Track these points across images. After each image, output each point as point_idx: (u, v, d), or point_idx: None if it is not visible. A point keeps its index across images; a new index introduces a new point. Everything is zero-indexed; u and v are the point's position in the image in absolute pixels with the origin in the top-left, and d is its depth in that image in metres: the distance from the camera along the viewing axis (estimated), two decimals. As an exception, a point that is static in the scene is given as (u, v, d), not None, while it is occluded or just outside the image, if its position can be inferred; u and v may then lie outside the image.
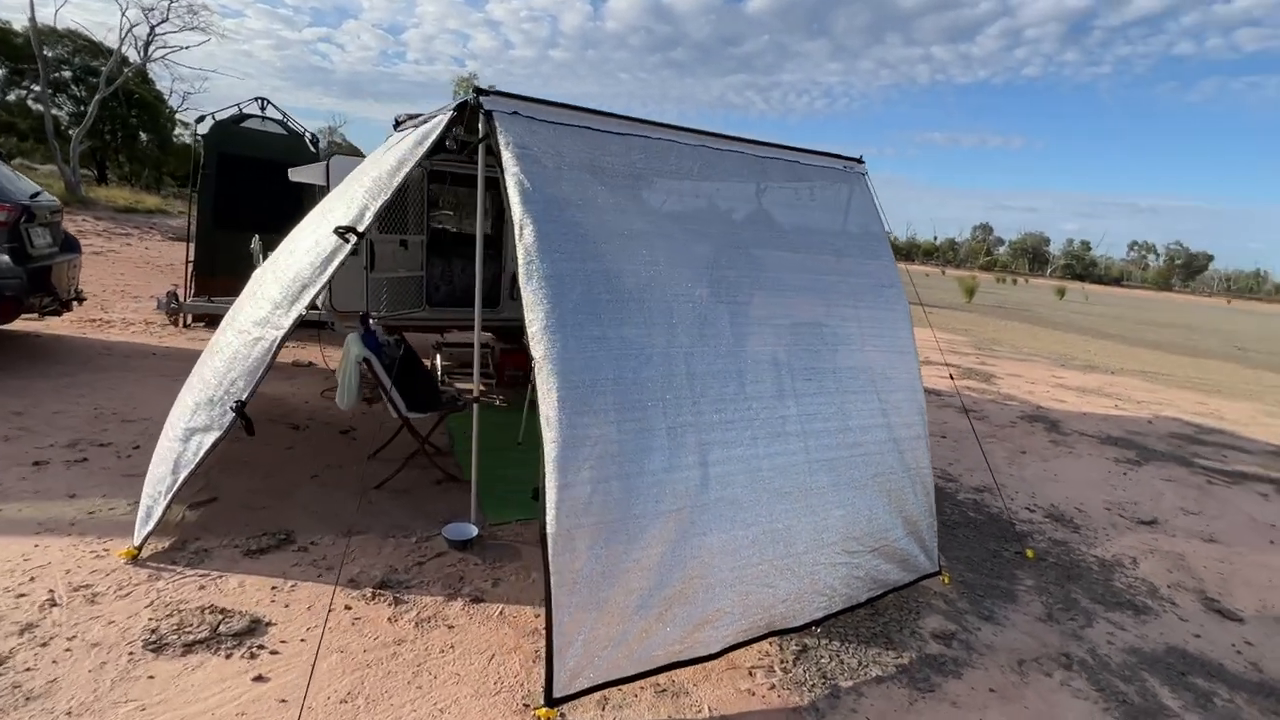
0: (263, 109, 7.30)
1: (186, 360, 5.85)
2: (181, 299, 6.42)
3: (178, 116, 24.12)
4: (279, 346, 2.76)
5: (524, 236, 2.47)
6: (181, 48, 18.99)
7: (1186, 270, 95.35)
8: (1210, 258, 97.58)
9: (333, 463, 3.94)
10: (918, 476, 3.21)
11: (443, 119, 2.79)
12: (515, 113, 2.72)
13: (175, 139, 24.12)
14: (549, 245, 2.49)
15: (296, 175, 5.62)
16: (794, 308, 3.04)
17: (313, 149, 7.40)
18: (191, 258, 6.88)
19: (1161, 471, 5.94)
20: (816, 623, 2.68)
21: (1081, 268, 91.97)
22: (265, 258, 6.02)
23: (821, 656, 2.62)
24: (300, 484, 3.61)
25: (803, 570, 2.63)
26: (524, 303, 2.40)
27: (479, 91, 2.68)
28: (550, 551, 2.19)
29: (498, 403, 5.42)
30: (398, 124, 4.91)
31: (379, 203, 2.79)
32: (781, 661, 2.57)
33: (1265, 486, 5.87)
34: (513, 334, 6.26)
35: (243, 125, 7.17)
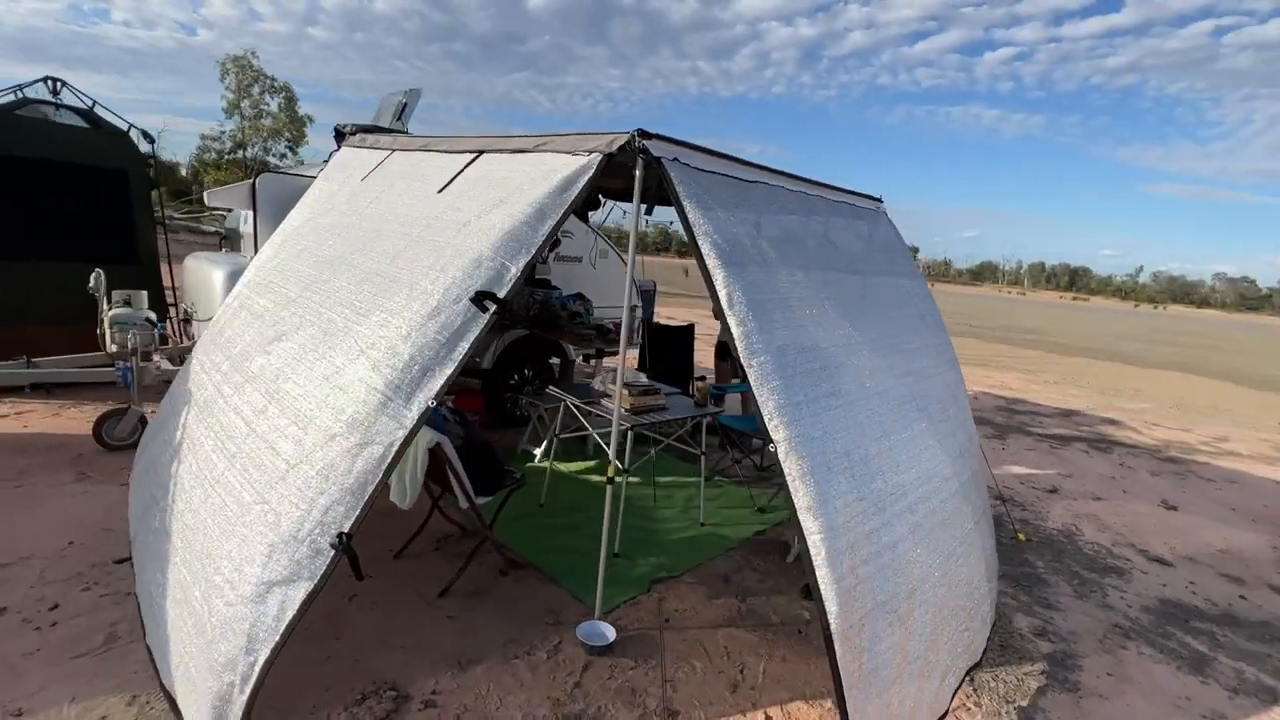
0: (55, 92, 5.37)
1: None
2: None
3: None
4: (397, 453, 2.10)
5: (735, 306, 2.24)
6: None
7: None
8: (916, 249, 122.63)
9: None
10: (985, 491, 3.58)
11: (591, 162, 2.35)
12: (675, 159, 2.43)
13: None
14: (763, 315, 2.30)
15: (214, 199, 4.28)
16: (904, 346, 3.17)
17: (148, 146, 5.65)
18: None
19: (1019, 443, 7.35)
20: (985, 652, 2.85)
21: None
22: (111, 299, 4.54)
23: (989, 683, 2.80)
24: (342, 612, 2.79)
25: (977, 606, 2.78)
26: (752, 379, 2.18)
27: (642, 134, 2.33)
28: (839, 655, 2.04)
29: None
30: (340, 135, 4.06)
31: (521, 262, 2.26)
32: (968, 696, 2.69)
33: (1081, 444, 7.61)
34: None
35: (23, 115, 5.20)
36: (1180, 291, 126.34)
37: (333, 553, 2.04)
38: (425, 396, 2.13)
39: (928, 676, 2.35)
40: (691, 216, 2.32)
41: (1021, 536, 4.44)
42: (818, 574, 2.08)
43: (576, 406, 3.84)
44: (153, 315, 4.69)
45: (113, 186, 5.45)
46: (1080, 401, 10.70)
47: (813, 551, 2.09)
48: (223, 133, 20.71)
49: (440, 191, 2.82)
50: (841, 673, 2.04)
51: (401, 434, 2.10)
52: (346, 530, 2.05)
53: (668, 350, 6.05)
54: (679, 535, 3.93)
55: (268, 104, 21.29)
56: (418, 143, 3.39)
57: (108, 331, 4.58)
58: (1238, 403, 12.65)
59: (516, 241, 2.28)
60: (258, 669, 1.98)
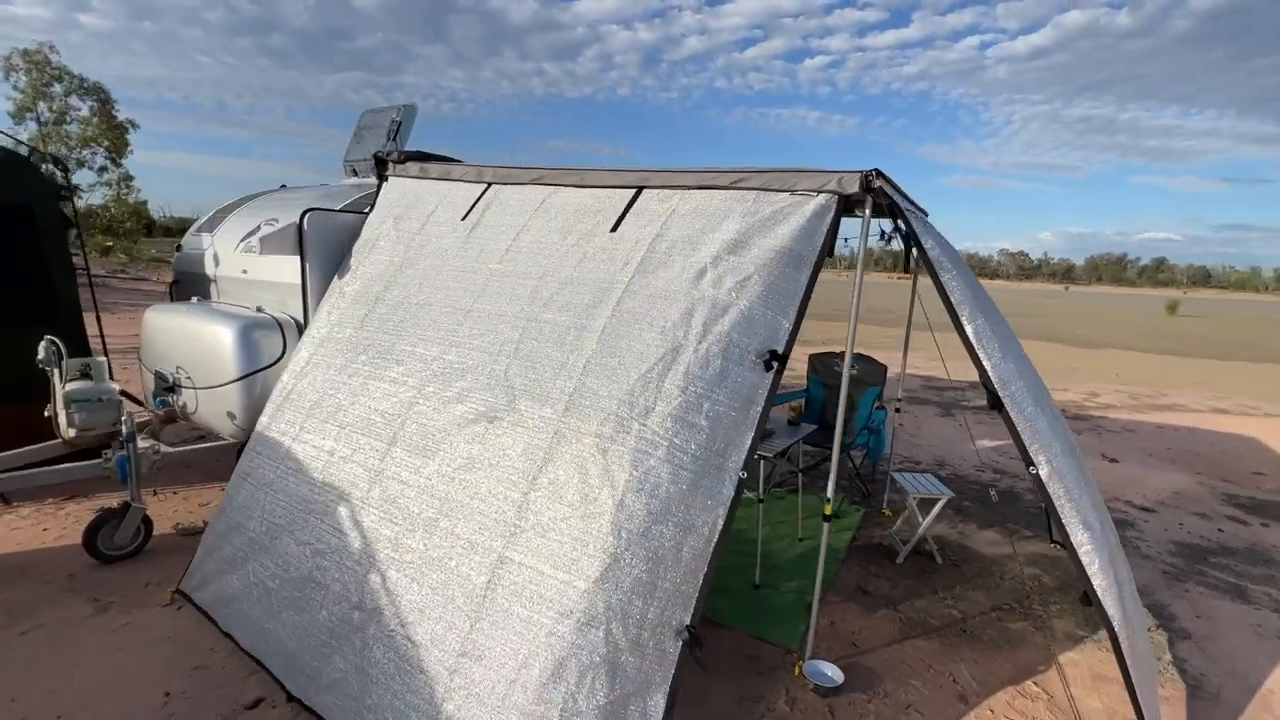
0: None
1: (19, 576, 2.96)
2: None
3: None
4: (722, 533, 1.96)
5: (982, 339, 2.37)
6: None
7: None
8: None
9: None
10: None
11: (829, 203, 2.31)
12: (895, 197, 2.46)
13: None
14: (1004, 343, 2.42)
15: (253, 244, 3.50)
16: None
17: (60, 179, 4.50)
18: None
19: (967, 418, 8.28)
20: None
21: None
22: (66, 375, 3.65)
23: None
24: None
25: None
26: (1008, 407, 2.31)
27: (878, 174, 2.33)
28: (1128, 658, 2.24)
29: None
30: (381, 162, 3.61)
31: (793, 314, 2.19)
32: (1131, 661, 3.04)
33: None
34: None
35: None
36: (975, 266, 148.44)
37: (678, 649, 1.85)
38: (735, 469, 2.01)
39: (1149, 651, 2.62)
40: (932, 255, 2.39)
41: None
42: (1094, 582, 2.25)
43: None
44: (122, 388, 3.82)
45: (15, 226, 4.31)
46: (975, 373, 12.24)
47: (1085, 561, 2.26)
48: (20, 143, 16.61)
49: (614, 231, 2.61)
50: (1130, 670, 2.23)
51: (723, 511, 1.96)
52: (689, 622, 1.87)
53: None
54: (791, 553, 3.98)
55: (77, 107, 17.62)
56: (528, 174, 3.07)
57: (61, 413, 3.65)
58: (1078, 361, 15.21)
59: (780, 294, 2.20)
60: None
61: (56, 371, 3.65)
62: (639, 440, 2.01)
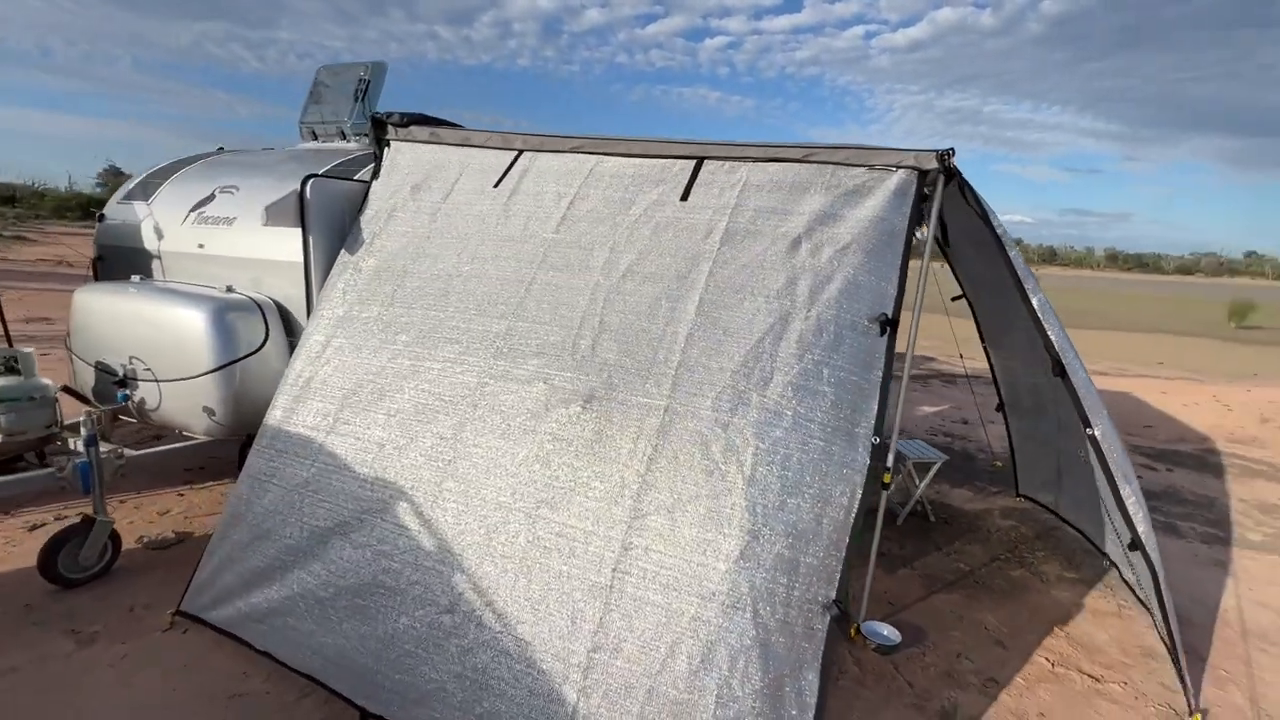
0: None
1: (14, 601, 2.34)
2: None
3: None
4: (861, 500, 1.98)
5: (1045, 312, 2.52)
6: None
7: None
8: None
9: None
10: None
11: (910, 179, 2.33)
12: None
13: None
14: (1058, 321, 2.58)
15: (272, 217, 2.96)
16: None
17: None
18: None
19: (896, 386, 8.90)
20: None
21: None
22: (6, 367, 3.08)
23: (1112, 583, 3.59)
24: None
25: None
26: (1070, 372, 2.49)
27: (953, 153, 2.40)
28: (1166, 598, 2.51)
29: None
30: (379, 124, 3.30)
31: (895, 279, 2.22)
32: (1119, 597, 3.43)
33: (936, 380, 9.48)
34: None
35: None
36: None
37: (826, 625, 1.86)
38: (865, 434, 2.02)
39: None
40: (999, 232, 2.50)
41: (998, 464, 5.53)
42: (1139, 529, 2.51)
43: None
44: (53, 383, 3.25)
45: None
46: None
47: (1131, 511, 2.50)
48: None
49: (684, 200, 2.52)
50: (1166, 601, 2.51)
51: (859, 479, 1.98)
52: (834, 597, 1.88)
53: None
54: (801, 523, 4.11)
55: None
56: (566, 142, 2.86)
57: (-17, 415, 3.04)
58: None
59: (880, 260, 2.23)
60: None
61: (-14, 365, 3.03)
62: (761, 411, 1.98)
